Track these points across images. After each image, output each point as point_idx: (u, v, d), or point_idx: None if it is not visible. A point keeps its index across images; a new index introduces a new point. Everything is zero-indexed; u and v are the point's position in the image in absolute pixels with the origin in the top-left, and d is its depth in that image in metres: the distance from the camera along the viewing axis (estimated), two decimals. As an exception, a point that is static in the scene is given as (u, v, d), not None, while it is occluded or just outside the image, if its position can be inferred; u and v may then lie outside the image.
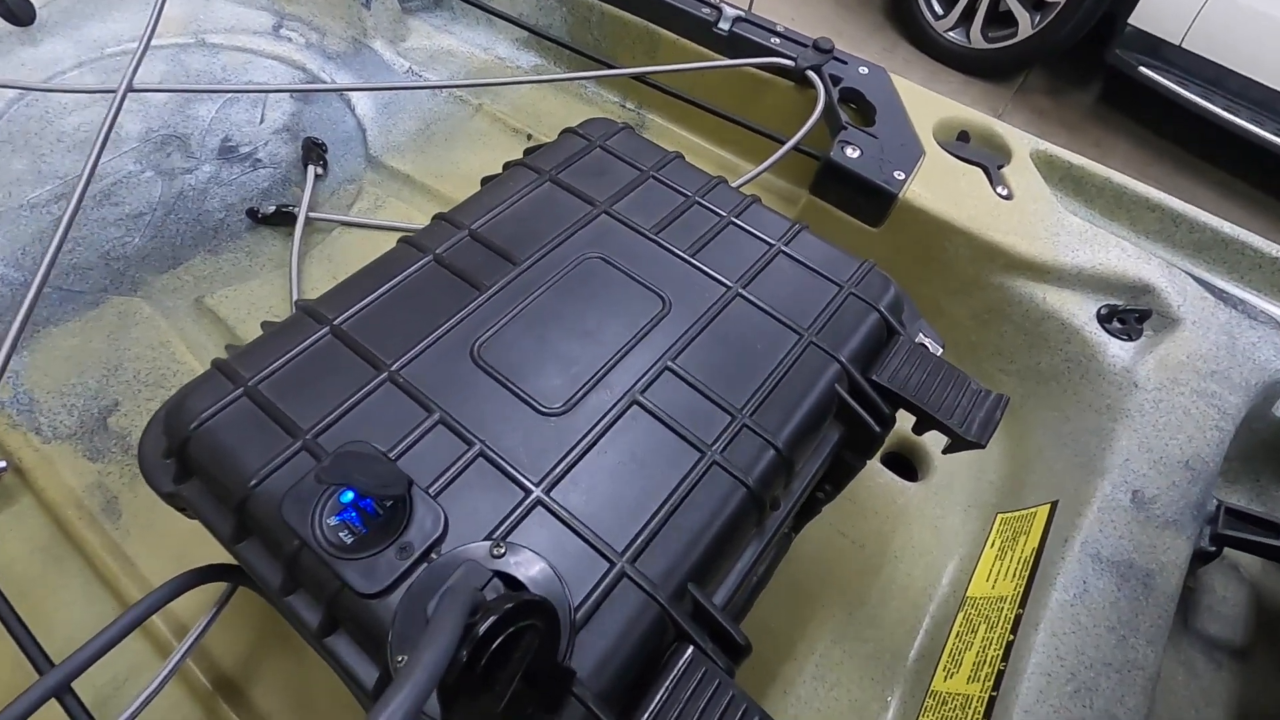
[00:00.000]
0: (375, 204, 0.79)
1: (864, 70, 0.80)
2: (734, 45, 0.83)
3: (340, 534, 0.36)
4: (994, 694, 0.52)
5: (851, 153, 0.71)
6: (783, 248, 0.53)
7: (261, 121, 0.83)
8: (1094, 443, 0.62)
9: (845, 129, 0.72)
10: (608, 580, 0.37)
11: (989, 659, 0.55)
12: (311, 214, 0.75)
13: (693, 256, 0.51)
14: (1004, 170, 0.73)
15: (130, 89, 0.65)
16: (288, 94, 0.83)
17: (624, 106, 0.95)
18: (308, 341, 0.44)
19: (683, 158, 0.59)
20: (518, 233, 0.51)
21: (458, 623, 0.25)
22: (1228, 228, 0.73)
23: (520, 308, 0.47)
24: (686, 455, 0.42)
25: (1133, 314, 0.66)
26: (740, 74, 0.83)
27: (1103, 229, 0.71)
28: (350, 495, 0.37)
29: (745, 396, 0.44)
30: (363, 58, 0.90)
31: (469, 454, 0.40)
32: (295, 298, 0.69)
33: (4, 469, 0.56)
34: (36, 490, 0.57)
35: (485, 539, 0.37)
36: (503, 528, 0.38)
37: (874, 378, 0.48)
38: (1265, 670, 0.62)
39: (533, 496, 0.39)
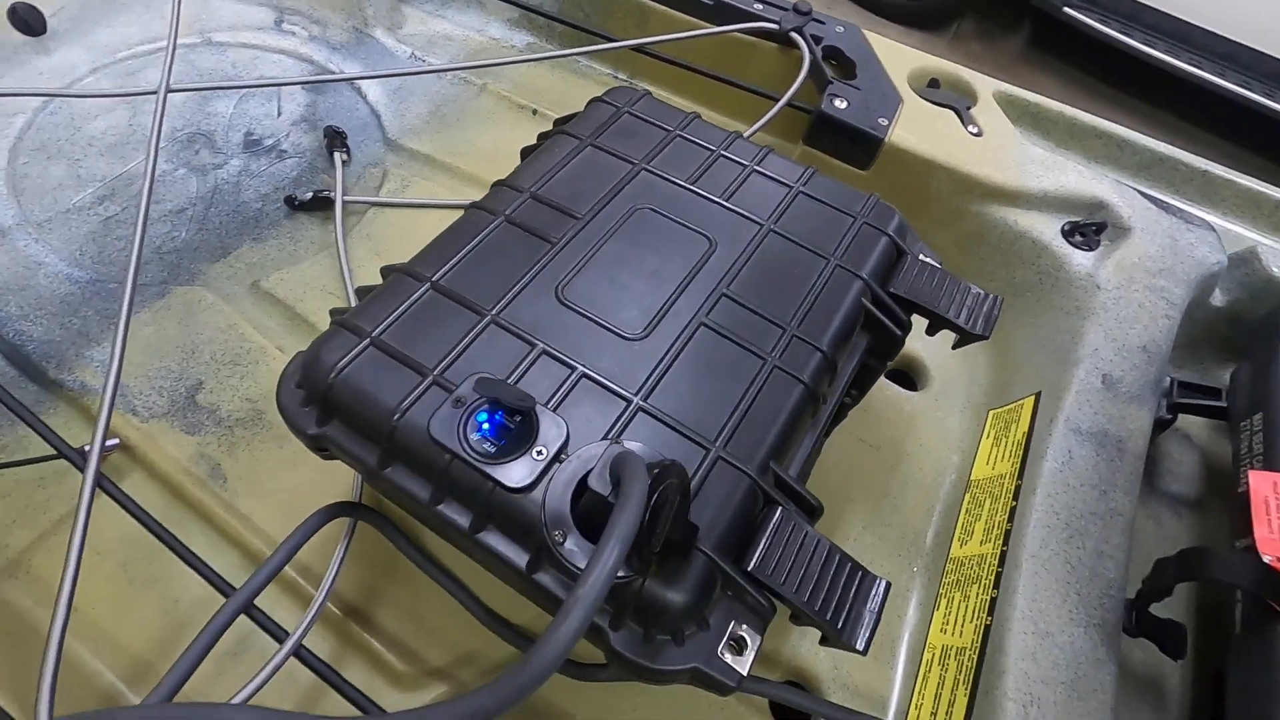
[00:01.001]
0: (402, 184, 0.84)
1: (840, 29, 0.88)
2: (719, 12, 0.90)
3: (484, 446, 0.44)
4: (1004, 549, 0.62)
5: (840, 104, 0.79)
6: (801, 189, 0.61)
7: (279, 115, 0.87)
8: (1067, 339, 0.72)
9: (832, 83, 0.80)
10: (706, 463, 0.45)
11: (996, 524, 0.65)
12: (346, 198, 0.80)
13: (726, 201, 0.59)
14: (972, 110, 0.82)
15: (170, 89, 0.69)
16: (300, 86, 0.87)
17: (616, 77, 1.01)
18: (414, 297, 0.50)
19: (700, 117, 0.67)
20: (572, 192, 0.58)
21: (644, 484, 0.32)
22: (1164, 148, 0.83)
23: (590, 254, 0.54)
24: (751, 363, 0.50)
25: (1091, 227, 0.76)
26: (726, 39, 0.90)
27: (1060, 156, 0.81)
28: (484, 415, 0.45)
29: (790, 313, 0.53)
30: (366, 47, 0.94)
31: (572, 376, 0.47)
32: (346, 275, 0.74)
33: (116, 445, 0.61)
34: (147, 464, 0.62)
35: (600, 440, 0.45)
36: (613, 431, 0.45)
37: (891, 290, 0.57)
38: (1212, 512, 0.74)
39: (634, 404, 0.46)
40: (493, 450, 0.43)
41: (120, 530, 0.57)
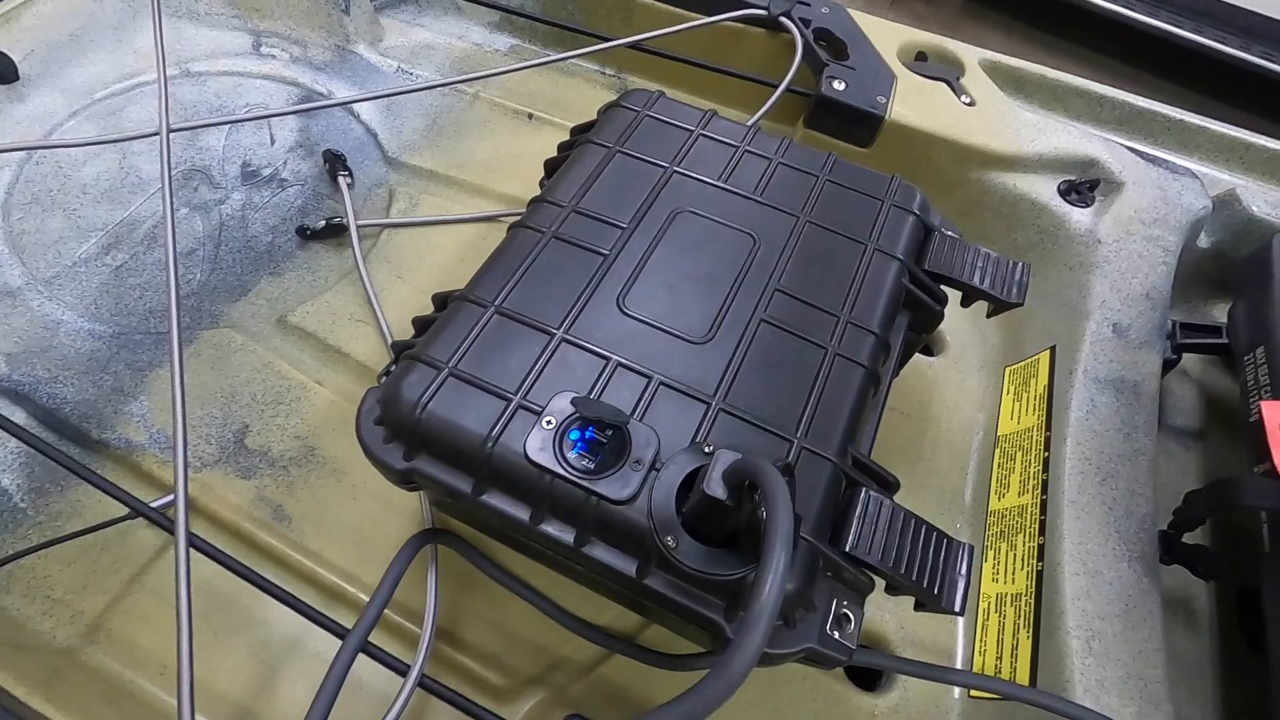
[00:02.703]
0: (411, 203, 0.84)
1: (825, 9, 0.90)
2: (706, 1, 0.90)
3: (583, 463, 0.45)
4: (1044, 497, 0.66)
5: (838, 85, 0.81)
6: (827, 178, 0.63)
7: (273, 143, 0.85)
8: (1075, 294, 0.76)
9: (827, 65, 0.82)
10: (792, 454, 0.47)
11: (1031, 475, 0.69)
12: (360, 222, 0.79)
13: (760, 197, 0.61)
14: (962, 81, 0.85)
15: (171, 129, 0.67)
16: (290, 107, 0.85)
17: (604, 73, 1.01)
18: (481, 323, 0.51)
19: (717, 113, 0.68)
20: (611, 201, 0.59)
21: (787, 491, 0.34)
22: (1141, 101, 0.88)
23: (642, 262, 0.55)
24: (812, 353, 0.52)
25: (1085, 185, 0.80)
26: (716, 29, 0.91)
27: (1048, 118, 0.84)
28: (576, 434, 0.46)
29: (840, 300, 0.55)
30: (351, 64, 0.92)
31: (650, 385, 0.49)
32: (374, 301, 0.74)
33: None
34: (209, 514, 0.61)
35: (690, 444, 0.46)
36: (700, 433, 0.47)
37: (926, 268, 0.60)
38: (1217, 442, 0.80)
39: (714, 406, 0.48)
40: (591, 466, 0.45)
41: (196, 581, 0.57)
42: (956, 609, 0.44)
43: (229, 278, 0.75)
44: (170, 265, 0.60)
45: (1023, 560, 0.65)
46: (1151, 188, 0.79)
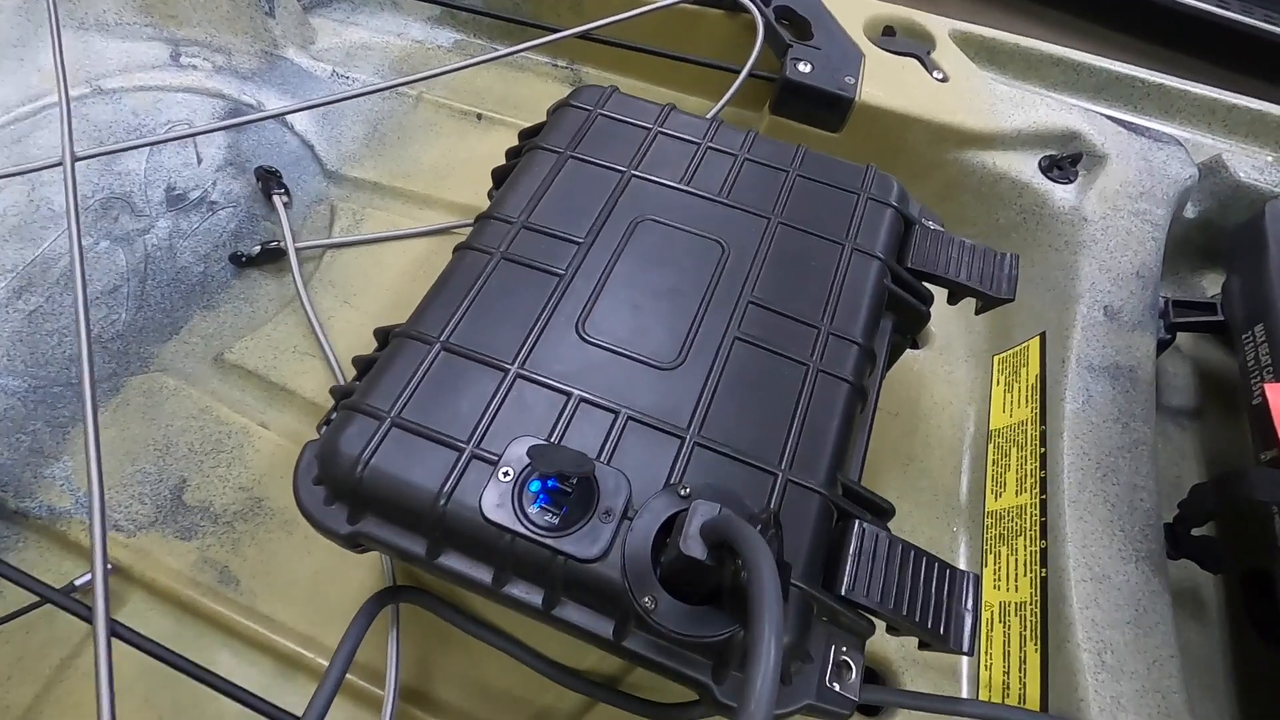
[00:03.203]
0: (355, 219, 0.78)
1: (785, -15, 0.84)
2: (658, -17, 0.85)
3: (545, 518, 0.40)
4: (1043, 497, 0.63)
5: (804, 68, 0.76)
6: (797, 172, 0.58)
7: (200, 162, 0.79)
8: (1062, 276, 0.73)
9: (791, 46, 0.77)
10: (777, 490, 0.43)
11: (1028, 472, 0.66)
12: (298, 244, 0.73)
13: (726, 198, 0.56)
14: (933, 55, 0.80)
15: (76, 157, 0.61)
16: (217, 123, 0.78)
17: (555, 65, 0.95)
18: (425, 362, 0.46)
19: (676, 107, 0.63)
20: (565, 213, 0.54)
21: (769, 552, 0.30)
22: (1118, 66, 0.84)
23: (602, 281, 0.50)
24: (792, 371, 0.48)
25: (1067, 159, 0.76)
26: (671, 12, 0.86)
27: (1024, 90, 0.80)
28: (538, 484, 0.41)
29: (818, 309, 0.51)
30: (281, 70, 0.85)
31: (618, 421, 0.44)
32: (319, 331, 0.68)
33: (110, 570, 0.55)
34: (147, 583, 0.56)
35: (665, 487, 0.42)
36: (674, 473, 0.43)
37: (909, 265, 0.56)
38: (1214, 422, 0.77)
39: (688, 440, 0.44)
40: (556, 521, 0.40)
41: (136, 662, 0.52)
42: (965, 649, 0.41)
43: (158, 315, 0.69)
44: (80, 311, 0.54)
45: (1025, 565, 0.61)
46: (1136, 159, 0.75)
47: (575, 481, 0.41)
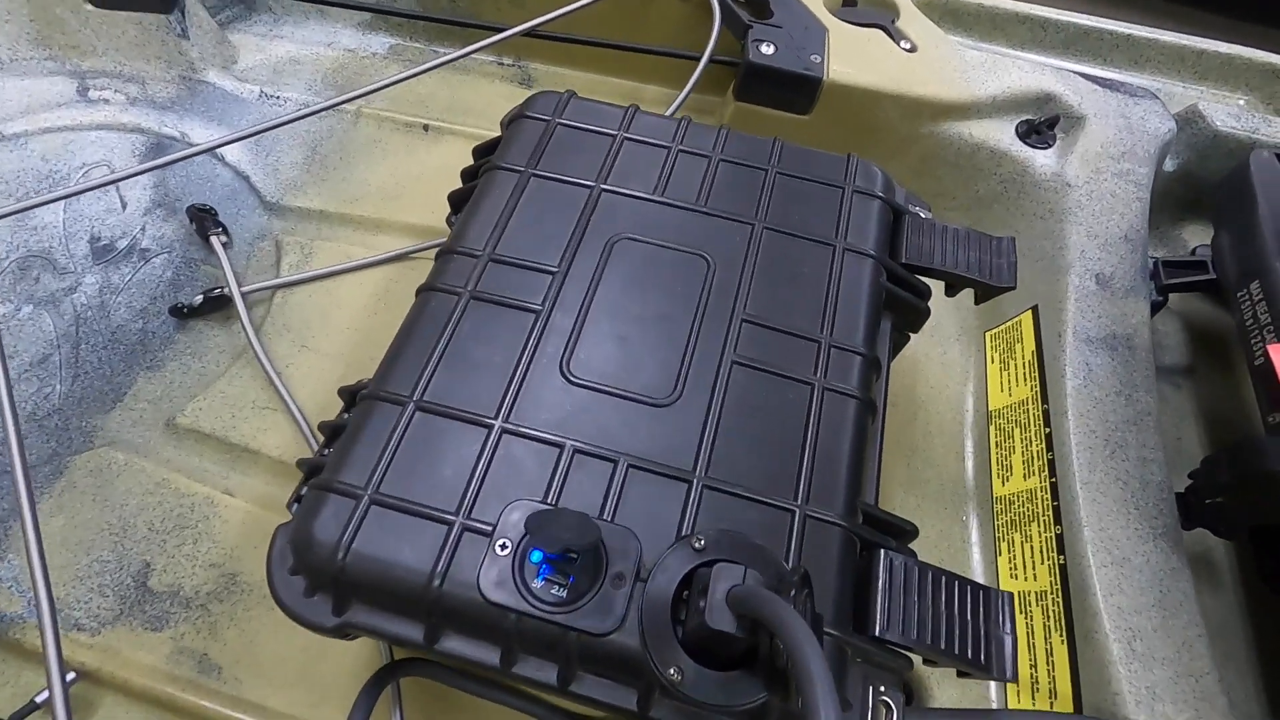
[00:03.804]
0: (304, 254, 0.72)
1: (737, -39, 0.79)
2: (603, -31, 0.79)
3: (551, 591, 0.37)
4: (1053, 480, 0.61)
5: (766, 49, 0.72)
6: (777, 170, 0.55)
7: (124, 207, 0.72)
8: (1050, 245, 0.71)
9: (751, 27, 0.73)
10: (796, 527, 0.40)
11: (1034, 454, 0.64)
12: (244, 288, 0.67)
13: (705, 206, 0.52)
14: (898, 24, 0.77)
15: (-22, 223, 0.54)
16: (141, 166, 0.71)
17: (502, 64, 0.89)
18: (399, 426, 0.42)
19: (639, 108, 0.58)
20: (534, 240, 0.50)
21: (805, 625, 0.27)
22: (1084, 19, 0.81)
23: (584, 313, 0.46)
24: (798, 392, 0.44)
25: (1044, 123, 0.73)
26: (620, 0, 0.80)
27: (993, 53, 0.77)
28: (539, 555, 0.38)
29: (816, 320, 0.47)
30: (203, 96, 0.78)
31: (618, 470, 0.41)
32: (277, 382, 0.63)
33: (74, 679, 0.50)
34: (118, 684, 0.51)
35: (677, 539, 0.39)
36: (685, 522, 0.39)
37: (904, 261, 0.52)
38: (1207, 378, 0.76)
39: (698, 485, 0.40)
40: (564, 594, 0.37)
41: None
42: (1008, 676, 0.39)
43: (97, 382, 0.63)
44: (2, 389, 0.48)
45: (1041, 553, 0.60)
46: (1114, 117, 0.73)
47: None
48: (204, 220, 0.70)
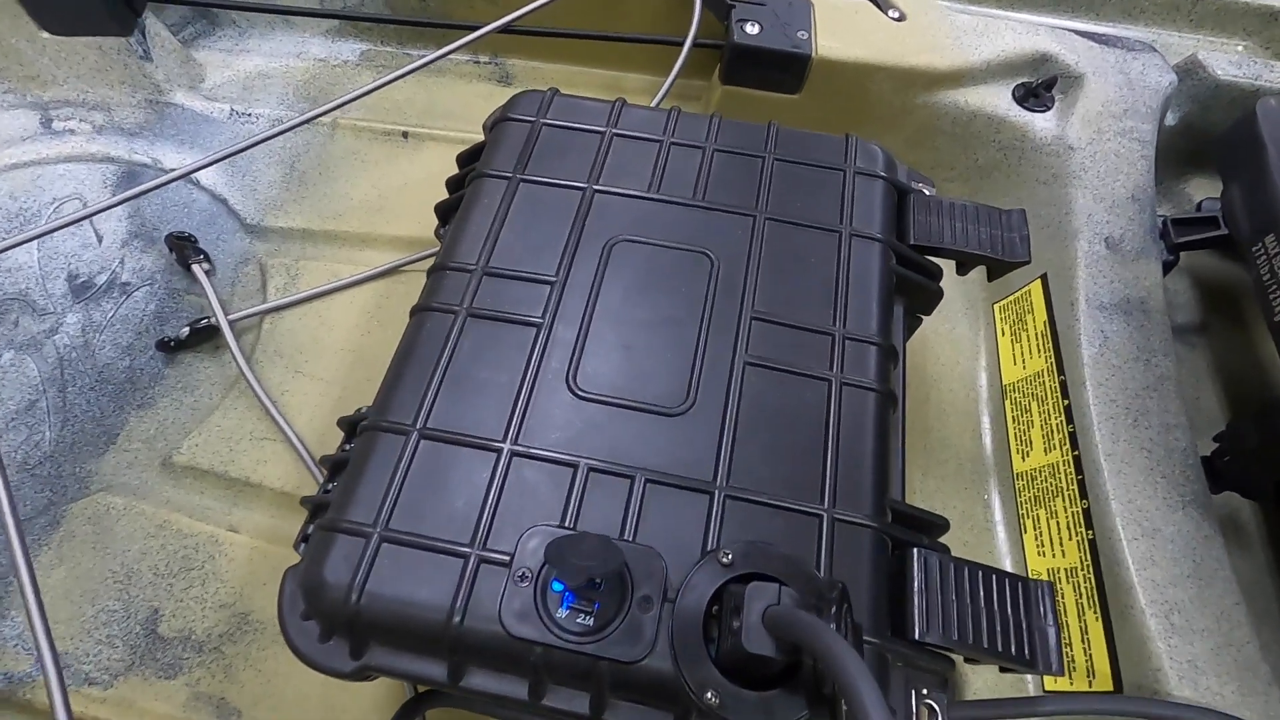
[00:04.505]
0: (290, 276, 0.70)
1: (713, -62, 0.77)
2: (575, -44, 0.76)
3: (577, 620, 0.35)
4: (1075, 453, 0.60)
5: (751, 29, 0.69)
6: (774, 156, 0.53)
7: (100, 240, 0.69)
8: (1055, 211, 0.69)
9: (734, 6, 0.70)
10: (825, 533, 0.38)
11: (1054, 427, 0.63)
12: (232, 316, 0.65)
13: (702, 200, 0.50)
14: (885, -8, 0.74)
15: (-52, 271, 0.52)
16: (115, 196, 0.69)
17: (478, 62, 0.87)
18: (404, 457, 0.40)
19: (626, 102, 0.56)
20: (529, 249, 0.48)
21: (846, 644, 0.26)
22: (1075, -26, 0.79)
23: (587, 323, 0.44)
24: (815, 390, 0.43)
25: (1042, 86, 0.71)
26: (594, -15, 0.78)
27: (982, 15, 0.75)
28: (561, 584, 0.36)
29: (829, 311, 0.46)
30: (172, 118, 0.75)
31: (636, 486, 0.39)
32: (273, 411, 0.61)
33: (90, 737, 0.49)
34: (136, 737, 0.50)
35: (703, 555, 0.37)
36: (710, 536, 0.38)
37: (912, 243, 0.51)
38: (1222, 335, 0.75)
39: (719, 496, 0.39)
40: (590, 622, 0.35)
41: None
42: (1055, 669, 0.37)
43: (88, 426, 0.61)
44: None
45: (1069, 529, 0.58)
46: (1113, 74, 0.70)
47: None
48: (184, 248, 0.68)
